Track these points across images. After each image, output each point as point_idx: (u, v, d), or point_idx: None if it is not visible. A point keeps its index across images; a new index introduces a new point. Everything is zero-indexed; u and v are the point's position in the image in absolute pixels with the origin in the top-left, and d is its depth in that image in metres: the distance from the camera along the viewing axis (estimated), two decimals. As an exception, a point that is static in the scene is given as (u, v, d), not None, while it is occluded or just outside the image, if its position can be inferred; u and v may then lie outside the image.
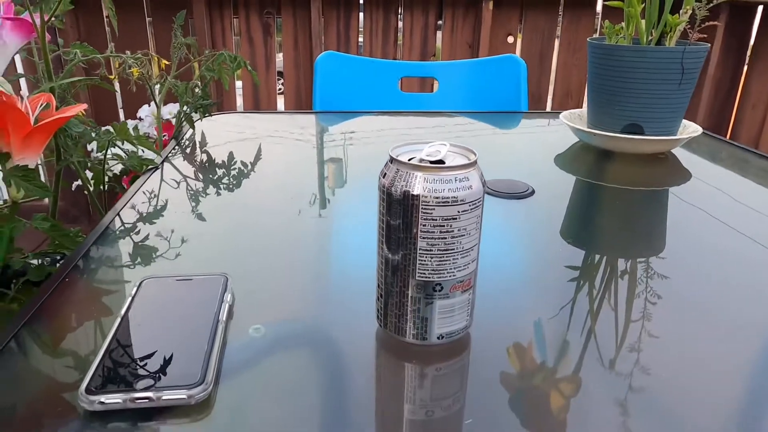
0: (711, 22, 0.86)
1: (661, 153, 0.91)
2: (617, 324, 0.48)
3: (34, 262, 0.68)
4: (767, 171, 0.90)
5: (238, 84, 2.35)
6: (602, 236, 0.67)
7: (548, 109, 2.35)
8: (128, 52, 0.74)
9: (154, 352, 0.39)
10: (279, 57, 2.23)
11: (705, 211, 0.74)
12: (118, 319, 0.42)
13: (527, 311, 0.49)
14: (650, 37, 0.86)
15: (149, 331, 0.42)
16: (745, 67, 2.03)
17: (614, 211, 0.75)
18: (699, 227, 0.68)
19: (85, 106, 0.57)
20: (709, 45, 0.84)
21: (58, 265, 0.73)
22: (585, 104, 2.41)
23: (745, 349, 0.45)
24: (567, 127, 0.95)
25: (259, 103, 2.24)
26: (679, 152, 0.94)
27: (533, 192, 0.73)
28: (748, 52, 2.00)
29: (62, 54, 0.68)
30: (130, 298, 0.45)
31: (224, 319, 0.43)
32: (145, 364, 0.38)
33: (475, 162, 0.38)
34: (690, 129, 0.90)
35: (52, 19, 0.61)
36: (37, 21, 0.59)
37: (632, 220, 0.72)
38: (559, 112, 0.99)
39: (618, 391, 0.39)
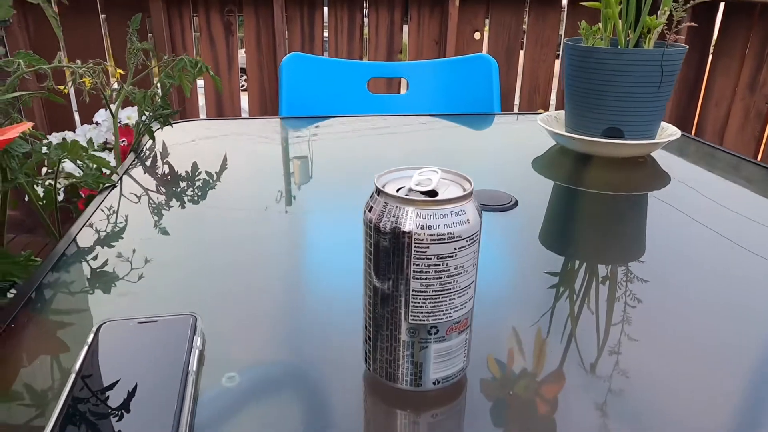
0: (688, 23, 0.85)
1: (641, 156, 0.89)
2: (600, 330, 0.46)
3: (-21, 294, 0.62)
4: (741, 171, 0.90)
5: (200, 83, 2.26)
6: (590, 245, 0.65)
7: (516, 104, 2.34)
8: (78, 62, 0.68)
9: (117, 412, 0.34)
10: (241, 53, 2.16)
11: (685, 213, 0.73)
12: (73, 375, 0.37)
13: (519, 333, 0.46)
14: (628, 39, 0.84)
15: (110, 385, 0.37)
16: (708, 65, 2.06)
17: (596, 217, 0.73)
18: (678, 231, 0.67)
19: (30, 124, 0.51)
20: (687, 47, 0.82)
21: (8, 295, 0.67)
22: (553, 99, 2.40)
23: (725, 351, 0.44)
24: (541, 127, 0.92)
25: (222, 102, 2.17)
26: (656, 154, 0.92)
27: (516, 203, 0.71)
28: (711, 50, 2.02)
29: (3, 64, 0.62)
30: (86, 347, 0.40)
31: (194, 368, 0.39)
32: (107, 428, 0.33)
33: (471, 192, 0.34)
34: (668, 132, 0.89)
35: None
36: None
37: (613, 225, 0.70)
38: (533, 113, 0.97)
39: (614, 401, 0.36)
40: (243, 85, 2.21)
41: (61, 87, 0.70)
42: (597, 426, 0.37)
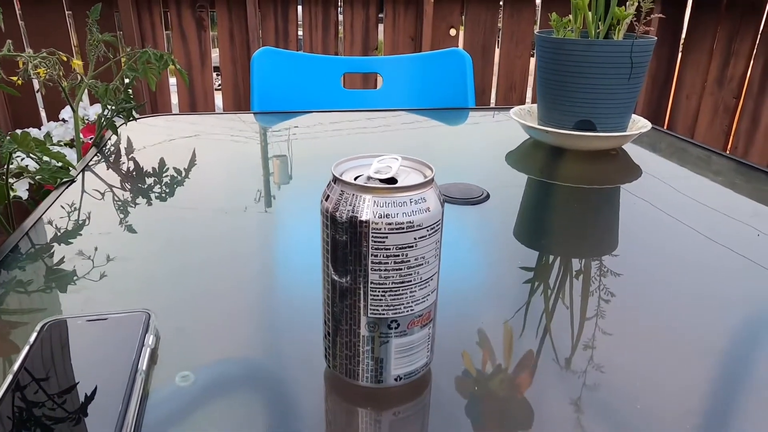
0: (656, 14, 0.85)
1: (613, 149, 0.89)
2: (574, 324, 0.45)
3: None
4: (711, 163, 0.90)
5: (173, 81, 2.22)
6: (560, 238, 0.64)
7: (493, 101, 2.34)
8: (30, 51, 0.65)
9: (56, 414, 0.32)
10: (215, 52, 2.12)
11: (656, 206, 0.72)
12: (10, 376, 0.35)
13: (491, 328, 0.44)
14: (598, 30, 0.83)
15: (50, 389, 0.35)
16: (678, 60, 2.08)
17: (569, 210, 0.72)
18: (650, 224, 0.67)
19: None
20: (656, 38, 0.82)
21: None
22: (529, 96, 2.40)
23: (697, 342, 0.44)
24: (515, 121, 0.91)
25: (195, 100, 2.13)
26: (628, 147, 0.92)
27: (488, 196, 0.70)
28: (681, 44, 2.05)
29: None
30: (27, 347, 0.38)
31: (144, 367, 0.37)
32: (43, 431, 0.31)
33: (432, 179, 0.33)
34: (639, 124, 0.88)
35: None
36: None
37: (586, 219, 0.69)
38: (506, 108, 0.96)
39: (588, 395, 0.35)
40: (218, 85, 2.17)
41: (14, 78, 0.67)
42: (570, 420, 0.35)
